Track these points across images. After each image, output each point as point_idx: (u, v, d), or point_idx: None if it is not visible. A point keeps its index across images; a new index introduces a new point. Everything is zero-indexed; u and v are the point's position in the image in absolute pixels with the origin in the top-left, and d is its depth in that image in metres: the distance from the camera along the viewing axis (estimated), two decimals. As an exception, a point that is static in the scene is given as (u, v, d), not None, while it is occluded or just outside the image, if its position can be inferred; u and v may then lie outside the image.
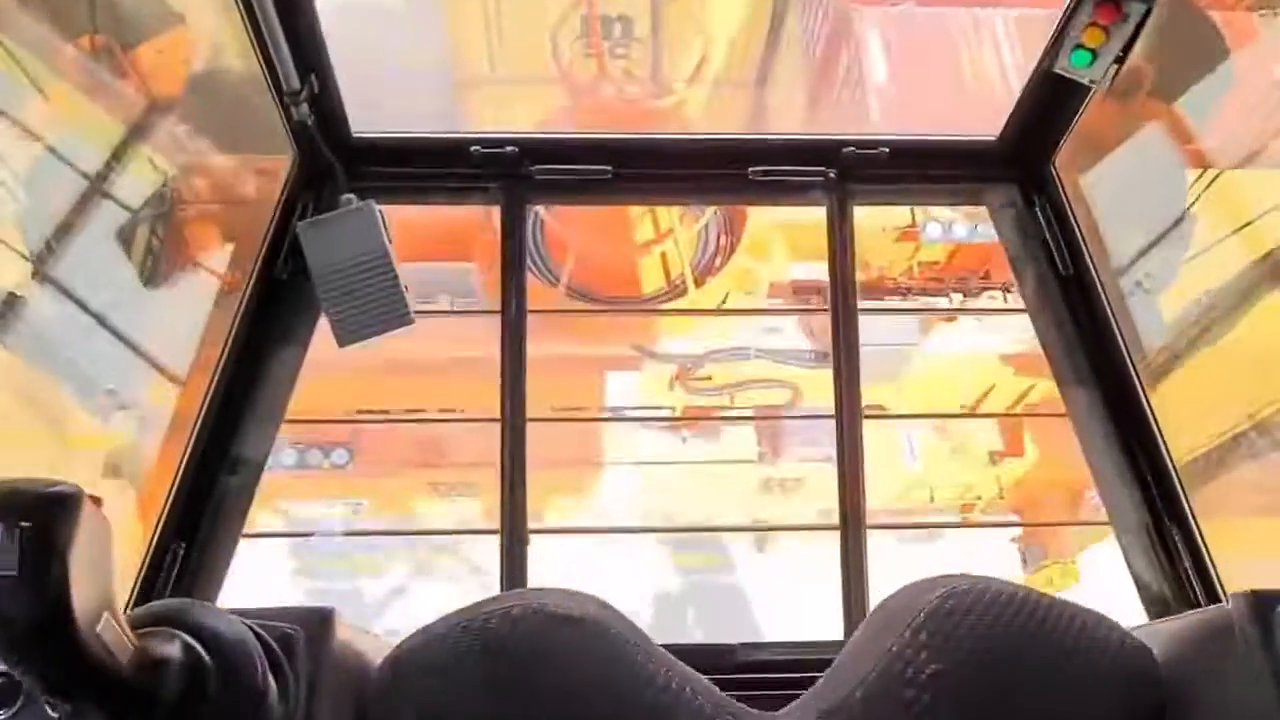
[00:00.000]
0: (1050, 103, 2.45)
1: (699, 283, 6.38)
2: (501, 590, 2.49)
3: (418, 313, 2.51)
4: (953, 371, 7.14)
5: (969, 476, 7.87)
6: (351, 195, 2.46)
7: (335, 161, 2.46)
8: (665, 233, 6.27)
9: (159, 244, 3.01)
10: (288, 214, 2.46)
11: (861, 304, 6.96)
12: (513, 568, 2.46)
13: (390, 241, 2.48)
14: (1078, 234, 2.55)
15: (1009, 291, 7.24)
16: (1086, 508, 9.02)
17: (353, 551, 13.85)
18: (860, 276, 7.88)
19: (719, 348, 6.86)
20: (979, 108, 7.48)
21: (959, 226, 7.44)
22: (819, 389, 7.25)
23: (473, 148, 2.53)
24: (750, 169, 2.55)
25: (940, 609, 1.48)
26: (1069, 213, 2.56)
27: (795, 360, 6.95)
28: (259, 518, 8.46)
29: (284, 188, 2.46)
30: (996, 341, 7.06)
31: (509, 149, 2.54)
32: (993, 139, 2.61)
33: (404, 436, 7.45)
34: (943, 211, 7.32)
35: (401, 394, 7.42)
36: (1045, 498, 8.19)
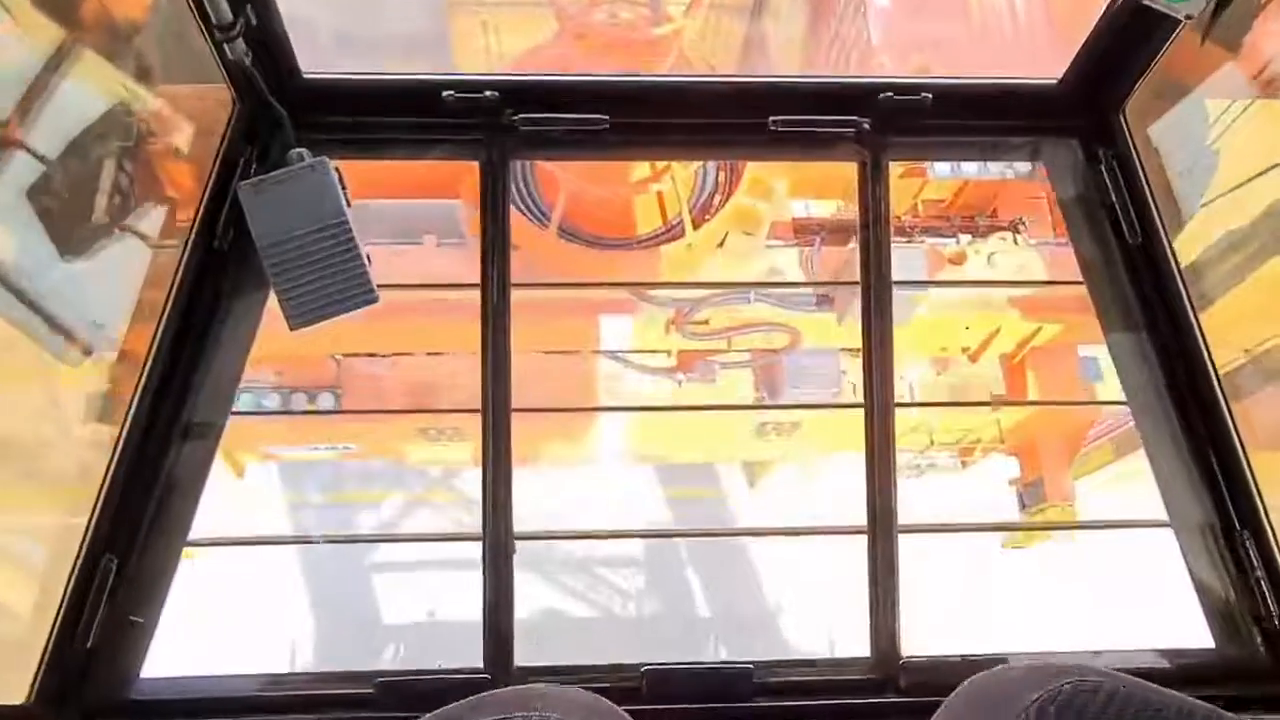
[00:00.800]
0: (1126, 41, 2.04)
1: (697, 223, 5.96)
2: (484, 598, 2.16)
3: (384, 287, 2.12)
4: (959, 314, 6.78)
5: (969, 419, 7.57)
6: (302, 150, 2.05)
7: (281, 109, 2.04)
8: (661, 170, 5.82)
9: (128, 180, 2.62)
10: (226, 172, 2.05)
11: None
12: (497, 581, 2.12)
13: (349, 204, 2.08)
14: (1148, 196, 2.16)
15: (1018, 232, 6.84)
16: (1087, 448, 8.79)
17: (345, 484, 13.65)
18: (858, 217, 7.41)
19: (718, 291, 6.46)
20: (990, 35, 6.98)
21: (968, 162, 7.00)
22: (819, 333, 6.89)
23: (445, 93, 2.11)
24: (771, 118, 2.14)
25: (1042, 717, 1.15)
26: (1139, 171, 2.16)
27: (796, 304, 6.57)
28: (246, 462, 8.14)
29: (221, 141, 2.05)
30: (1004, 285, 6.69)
31: (488, 94, 2.12)
32: (1052, 82, 2.20)
33: (393, 380, 7.09)
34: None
35: (388, 335, 7.05)
36: (1046, 440, 7.91)
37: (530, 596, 13.31)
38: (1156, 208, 2.15)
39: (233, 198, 2.02)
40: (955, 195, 7.38)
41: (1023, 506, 8.29)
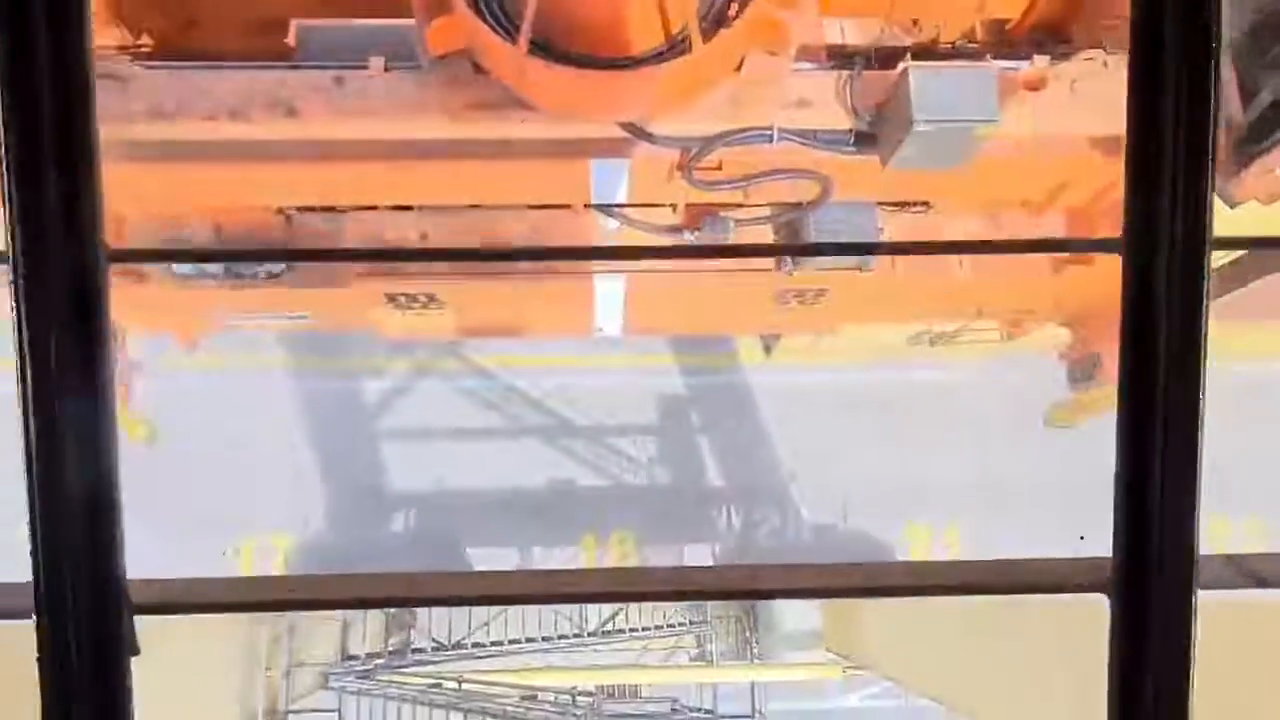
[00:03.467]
0: None
1: (707, 37, 4.33)
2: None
3: None
4: (1028, 156, 5.18)
5: (1024, 287, 6.09)
6: None
7: None
8: (663, -34, 4.17)
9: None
10: None
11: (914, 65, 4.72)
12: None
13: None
14: None
15: (1107, 50, 5.16)
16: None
17: (350, 350, 12.43)
18: (906, 40, 5.50)
19: (734, 127, 4.88)
20: None
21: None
22: (855, 180, 5.35)
23: None
24: None
25: None
26: None
27: (829, 143, 4.99)
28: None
29: None
30: (1087, 120, 5.07)
31: None
32: None
33: (351, 238, 5.67)
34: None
35: (345, 184, 5.60)
36: (1108, 310, 6.44)
37: (538, 463, 12.27)
38: None
39: None
40: (1024, 15, 5.68)
41: (1072, 383, 6.91)
